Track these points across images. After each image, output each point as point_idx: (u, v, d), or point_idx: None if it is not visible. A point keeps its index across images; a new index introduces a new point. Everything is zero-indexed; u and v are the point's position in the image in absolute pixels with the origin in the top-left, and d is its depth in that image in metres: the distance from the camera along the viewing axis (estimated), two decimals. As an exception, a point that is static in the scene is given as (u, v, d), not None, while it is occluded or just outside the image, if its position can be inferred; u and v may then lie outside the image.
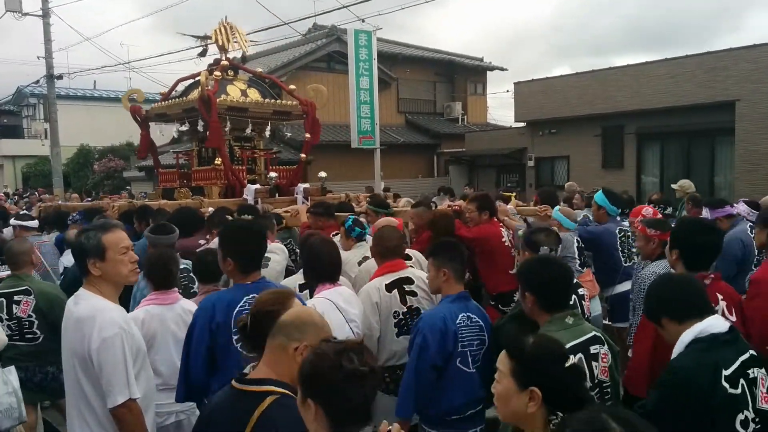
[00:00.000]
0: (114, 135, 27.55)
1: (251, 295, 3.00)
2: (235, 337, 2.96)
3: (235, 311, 2.99)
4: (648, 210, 4.98)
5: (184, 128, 8.78)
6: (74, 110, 29.36)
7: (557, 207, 5.19)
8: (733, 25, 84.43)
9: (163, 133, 9.59)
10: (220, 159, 7.97)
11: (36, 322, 4.26)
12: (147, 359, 2.71)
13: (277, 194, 7.80)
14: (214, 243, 4.42)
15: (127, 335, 2.55)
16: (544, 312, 2.66)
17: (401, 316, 3.63)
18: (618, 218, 5.55)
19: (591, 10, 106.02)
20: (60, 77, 21.73)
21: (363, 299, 3.59)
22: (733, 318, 2.99)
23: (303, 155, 8.85)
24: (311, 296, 3.57)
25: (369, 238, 4.66)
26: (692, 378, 2.23)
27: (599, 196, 5.55)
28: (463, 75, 26.32)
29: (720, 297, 3.05)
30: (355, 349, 1.79)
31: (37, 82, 24.56)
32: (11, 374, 3.57)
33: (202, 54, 8.70)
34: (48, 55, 20.50)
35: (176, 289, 3.61)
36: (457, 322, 3.14)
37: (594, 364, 2.55)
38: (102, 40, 40.02)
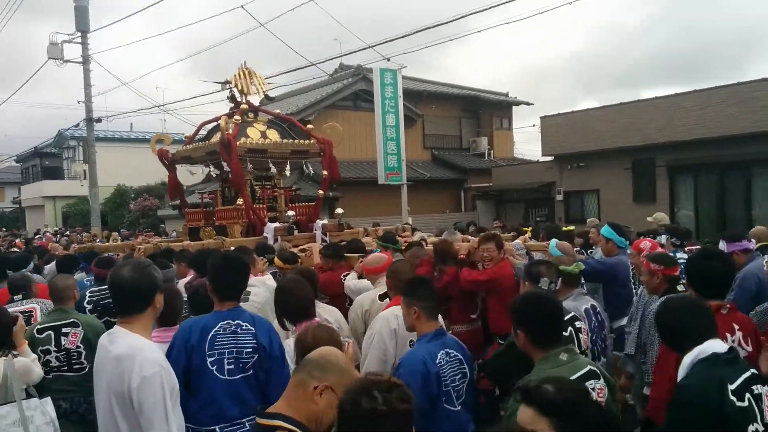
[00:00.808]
0: (149, 174, 28.17)
1: (226, 321, 3.19)
2: (210, 359, 3.11)
3: (210, 335, 3.14)
4: (646, 243, 4.94)
5: (209, 170, 9.09)
6: (112, 151, 30.26)
7: (553, 242, 5.14)
8: (765, 55, 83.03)
9: (193, 173, 9.85)
10: (241, 199, 8.17)
11: (84, 352, 4.36)
12: (179, 396, 2.74)
13: (295, 231, 7.91)
14: None
15: (166, 373, 2.59)
16: (538, 349, 2.65)
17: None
18: (627, 250, 5.52)
19: (617, 43, 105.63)
20: (99, 120, 22.42)
21: (381, 325, 3.63)
22: (749, 348, 3.05)
23: (321, 192, 9.03)
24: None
25: None
26: (700, 394, 2.32)
27: (606, 230, 5.56)
28: (488, 110, 26.39)
29: (737, 327, 3.10)
30: (382, 386, 1.78)
31: (77, 125, 25.44)
32: (48, 405, 3.65)
33: (232, 100, 8.96)
34: (87, 100, 21.20)
35: (178, 326, 3.60)
36: (437, 361, 3.09)
37: (579, 335, 2.69)
38: (138, 84, 41.60)
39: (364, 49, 17.07)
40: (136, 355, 2.54)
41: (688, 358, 2.45)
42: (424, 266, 5.27)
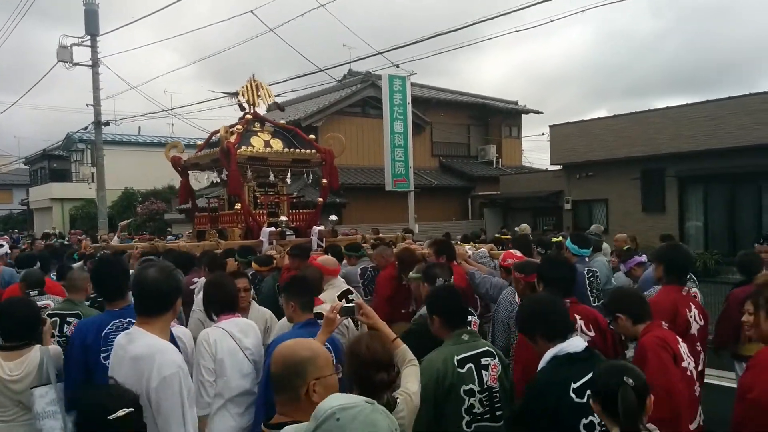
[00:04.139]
0: (156, 179, 28.29)
1: (118, 320, 3.42)
2: (103, 355, 3.34)
3: (103, 333, 3.38)
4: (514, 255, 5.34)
5: (214, 176, 9.42)
6: (120, 155, 30.32)
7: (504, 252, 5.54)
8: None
9: (199, 181, 10.13)
10: (239, 204, 8.47)
11: None
12: (194, 398, 2.79)
13: (289, 235, 8.23)
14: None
15: (184, 375, 2.62)
16: (448, 330, 3.24)
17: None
18: (587, 259, 5.69)
19: (628, 53, 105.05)
20: (107, 124, 22.44)
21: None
22: (591, 333, 3.65)
23: (320, 199, 9.31)
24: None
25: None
26: (546, 388, 2.76)
27: (569, 242, 5.72)
28: (497, 118, 26.34)
29: (578, 317, 3.67)
30: None
31: (86, 128, 25.47)
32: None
33: (241, 109, 9.33)
34: (96, 103, 21.22)
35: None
36: None
37: (484, 372, 3.13)
38: (147, 88, 41.98)
39: (374, 55, 17.03)
40: (155, 356, 2.57)
41: (549, 354, 2.86)
42: (389, 269, 5.66)
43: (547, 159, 20.94)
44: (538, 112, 27.69)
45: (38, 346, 3.65)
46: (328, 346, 3.44)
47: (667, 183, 17.33)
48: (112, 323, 3.41)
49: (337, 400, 1.52)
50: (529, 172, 24.45)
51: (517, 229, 12.34)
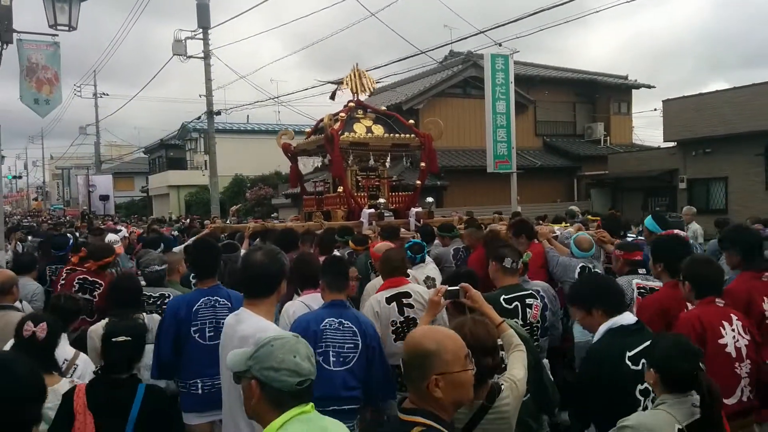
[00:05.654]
0: (264, 164, 29.39)
1: (206, 297, 3.81)
2: (193, 328, 3.76)
3: (194, 309, 3.76)
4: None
5: (321, 161, 10.05)
6: (230, 142, 31.65)
7: (577, 234, 5.57)
8: None
9: (305, 165, 10.58)
10: (341, 187, 8.95)
11: None
12: None
13: (387, 217, 8.50)
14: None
15: None
16: (502, 277, 3.90)
17: (398, 325, 4.19)
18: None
19: (746, 21, 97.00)
20: (218, 113, 23.45)
21: (366, 310, 4.19)
22: (747, 337, 3.23)
23: (418, 182, 9.66)
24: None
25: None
26: (603, 356, 2.94)
27: (648, 221, 5.57)
28: (605, 94, 25.25)
29: (734, 318, 3.26)
30: None
31: (199, 118, 26.70)
32: None
33: (332, 97, 9.87)
34: (208, 93, 22.20)
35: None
36: (322, 325, 3.55)
37: (528, 310, 3.77)
38: (254, 77, 43.31)
39: (475, 34, 16.75)
40: (260, 336, 2.67)
41: (603, 327, 3.02)
42: (479, 249, 5.68)
43: (659, 136, 19.86)
44: (649, 87, 26.26)
45: (144, 314, 4.18)
46: (351, 325, 3.58)
47: (795, 159, 16.02)
48: (201, 300, 3.79)
49: (274, 333, 2.01)
50: (640, 150, 23.28)
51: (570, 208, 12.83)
